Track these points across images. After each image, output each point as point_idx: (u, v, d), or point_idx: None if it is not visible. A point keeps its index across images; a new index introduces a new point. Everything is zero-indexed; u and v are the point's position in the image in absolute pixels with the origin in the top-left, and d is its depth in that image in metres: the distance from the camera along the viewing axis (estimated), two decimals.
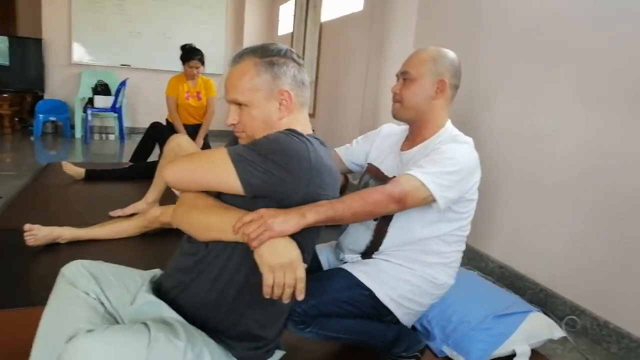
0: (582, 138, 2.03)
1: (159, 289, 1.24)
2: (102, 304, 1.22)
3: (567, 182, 2.09)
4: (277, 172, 1.05)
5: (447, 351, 1.64)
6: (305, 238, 1.11)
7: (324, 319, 1.38)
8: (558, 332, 1.72)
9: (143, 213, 2.70)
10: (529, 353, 1.65)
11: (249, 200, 1.09)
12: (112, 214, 2.94)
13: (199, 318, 1.15)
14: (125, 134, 6.53)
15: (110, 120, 6.86)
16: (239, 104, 1.16)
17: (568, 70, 2.11)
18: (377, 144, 1.68)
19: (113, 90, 6.42)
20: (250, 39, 7.13)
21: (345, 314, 1.42)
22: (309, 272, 1.09)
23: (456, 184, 1.37)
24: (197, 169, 1.14)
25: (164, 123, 4.34)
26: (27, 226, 2.27)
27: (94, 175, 3.85)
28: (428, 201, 1.36)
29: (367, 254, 1.55)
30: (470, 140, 1.48)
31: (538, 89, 2.27)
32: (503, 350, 1.62)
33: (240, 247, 1.08)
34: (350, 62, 4.49)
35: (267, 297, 1.03)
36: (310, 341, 1.45)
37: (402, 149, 1.57)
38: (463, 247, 1.58)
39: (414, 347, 1.52)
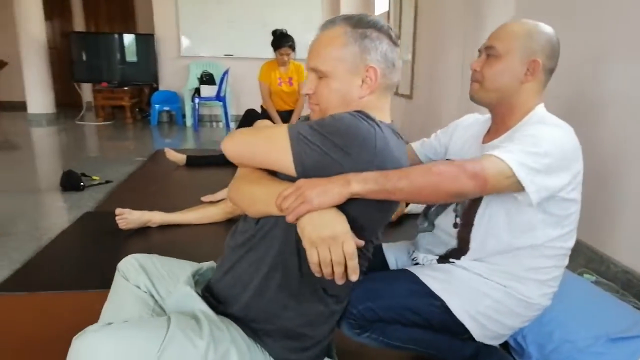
0: None
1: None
2: (153, 296, 1.22)
3: None
4: (334, 154, 0.95)
5: None
6: (361, 211, 0.98)
7: (384, 324, 1.21)
8: None
9: (229, 199, 2.71)
10: None
11: None
12: (203, 199, 3.01)
13: (239, 306, 1.08)
14: (230, 122, 6.81)
15: (218, 109, 7.17)
16: (319, 74, 1.06)
17: None
18: (457, 136, 1.44)
19: (217, 80, 6.70)
20: None
21: (408, 324, 1.23)
22: (368, 270, 0.93)
23: (547, 168, 1.07)
24: (254, 143, 1.05)
25: (259, 110, 4.39)
26: (118, 210, 2.39)
27: (193, 162, 4.02)
28: (514, 186, 1.06)
29: (446, 258, 1.32)
30: (565, 124, 1.18)
31: None
32: None
33: (289, 227, 0.97)
34: (447, 38, 4.14)
35: (318, 275, 0.94)
36: (368, 349, 1.29)
37: (483, 141, 1.32)
38: (565, 263, 1.27)
39: None
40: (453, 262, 1.27)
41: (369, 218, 1.04)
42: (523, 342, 1.42)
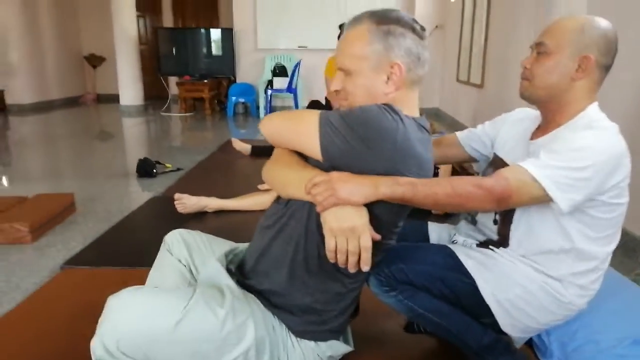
0: None
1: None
2: (190, 270, 1.34)
3: None
4: (357, 144, 1.00)
5: None
6: (382, 211, 1.06)
7: (414, 288, 1.21)
8: None
9: (263, 179, 2.81)
10: None
11: (330, 169, 1.03)
12: (260, 187, 3.13)
13: (265, 282, 1.16)
14: None
15: (290, 100, 7.34)
16: (345, 72, 1.10)
17: None
18: (505, 130, 1.39)
19: (290, 72, 6.86)
20: (422, 6, 6.83)
21: (436, 294, 1.22)
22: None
23: (586, 182, 1.05)
24: (287, 125, 1.12)
25: (323, 102, 4.43)
26: (177, 195, 2.57)
27: (258, 151, 4.17)
28: (542, 201, 1.07)
29: (485, 244, 1.30)
30: (612, 125, 1.12)
31: None
32: None
33: (313, 211, 1.05)
34: (519, 26, 3.91)
35: (332, 261, 1.02)
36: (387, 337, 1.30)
37: (531, 138, 1.27)
38: (605, 266, 1.21)
39: None
40: (492, 249, 1.26)
41: (389, 219, 1.10)
42: (546, 339, 1.36)
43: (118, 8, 7.05)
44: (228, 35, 7.41)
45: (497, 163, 1.34)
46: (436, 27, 7.02)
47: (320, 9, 7.14)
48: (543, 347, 1.37)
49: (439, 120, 6.73)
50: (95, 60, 9.04)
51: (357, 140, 0.99)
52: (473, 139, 1.47)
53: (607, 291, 1.40)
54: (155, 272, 1.36)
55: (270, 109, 6.94)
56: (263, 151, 4.20)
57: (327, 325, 1.18)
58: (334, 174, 1.00)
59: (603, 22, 1.15)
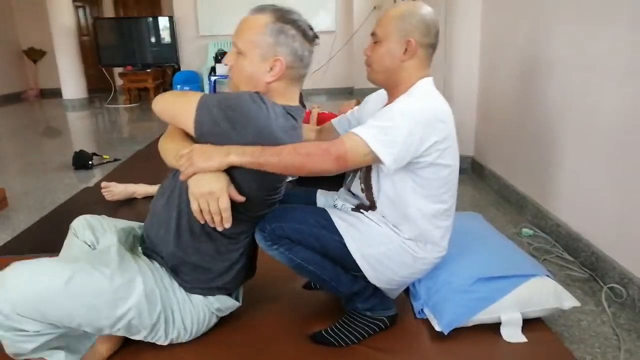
0: None
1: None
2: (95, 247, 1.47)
3: (632, 124, 1.69)
4: (225, 125, 1.16)
5: (427, 312, 1.52)
6: (242, 178, 1.21)
7: (291, 243, 1.37)
8: (569, 302, 1.46)
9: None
10: (519, 322, 1.44)
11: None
12: None
13: (161, 244, 1.34)
14: None
15: None
16: (237, 49, 1.26)
17: None
18: (366, 109, 1.59)
19: None
20: None
21: (309, 248, 1.39)
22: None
23: (404, 138, 1.23)
24: (173, 103, 1.28)
25: None
26: (103, 184, 2.69)
27: None
28: (371, 159, 1.25)
29: (357, 209, 1.49)
30: (432, 95, 1.33)
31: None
32: (486, 316, 1.44)
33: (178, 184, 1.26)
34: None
35: (202, 222, 1.20)
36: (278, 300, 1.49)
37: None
38: (448, 223, 1.43)
39: (379, 309, 1.45)
40: (362, 213, 1.44)
41: (248, 185, 1.25)
42: (417, 285, 1.58)
43: (54, 0, 6.90)
44: (169, 23, 7.38)
45: None
46: (374, 8, 7.21)
47: None
48: (414, 291, 1.60)
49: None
50: (35, 54, 8.80)
51: (225, 121, 1.16)
52: (344, 123, 1.66)
53: (473, 240, 1.64)
54: (62, 254, 1.49)
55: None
56: None
57: (214, 283, 1.36)
58: (196, 146, 1.17)
59: (423, 9, 1.35)
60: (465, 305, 1.44)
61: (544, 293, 1.47)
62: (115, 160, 3.88)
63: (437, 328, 1.45)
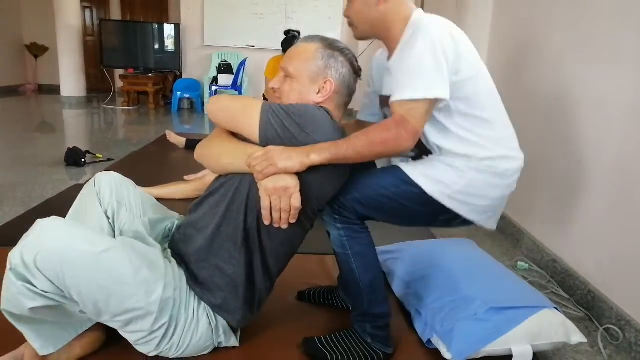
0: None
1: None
2: (112, 224, 1.38)
3: (628, 161, 1.68)
4: (294, 129, 1.17)
5: (435, 341, 1.45)
6: (315, 180, 1.20)
7: (356, 231, 1.33)
8: (577, 337, 1.41)
9: (202, 177, 2.90)
10: (529, 355, 1.38)
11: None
12: (186, 177, 3.21)
13: (193, 247, 1.28)
14: None
15: None
16: (286, 73, 1.30)
17: None
18: (375, 75, 1.54)
19: (235, 70, 6.94)
20: None
21: (389, 211, 1.33)
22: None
23: (439, 70, 1.19)
24: (233, 107, 1.26)
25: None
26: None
27: (192, 144, 4.24)
28: (431, 106, 1.22)
29: (417, 158, 1.41)
30: (431, 19, 1.26)
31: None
32: (497, 347, 1.38)
33: (242, 183, 1.22)
34: None
35: (267, 222, 1.17)
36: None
37: (388, 62, 1.41)
38: (507, 132, 1.37)
39: (380, 342, 1.38)
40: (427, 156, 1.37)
41: (320, 187, 1.24)
42: (421, 309, 1.53)
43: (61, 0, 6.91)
44: (175, 30, 7.40)
45: (382, 100, 1.47)
46: None
47: (268, 11, 7.26)
48: (417, 316, 1.55)
49: None
50: (37, 50, 8.78)
51: (294, 125, 1.17)
52: (366, 109, 1.59)
53: (476, 267, 1.62)
54: (78, 212, 1.37)
55: None
56: (196, 144, 4.27)
57: (233, 315, 1.29)
58: (271, 147, 1.15)
59: None
60: (477, 334, 1.38)
61: (554, 326, 1.41)
62: (109, 160, 3.82)
63: (447, 356, 1.39)
